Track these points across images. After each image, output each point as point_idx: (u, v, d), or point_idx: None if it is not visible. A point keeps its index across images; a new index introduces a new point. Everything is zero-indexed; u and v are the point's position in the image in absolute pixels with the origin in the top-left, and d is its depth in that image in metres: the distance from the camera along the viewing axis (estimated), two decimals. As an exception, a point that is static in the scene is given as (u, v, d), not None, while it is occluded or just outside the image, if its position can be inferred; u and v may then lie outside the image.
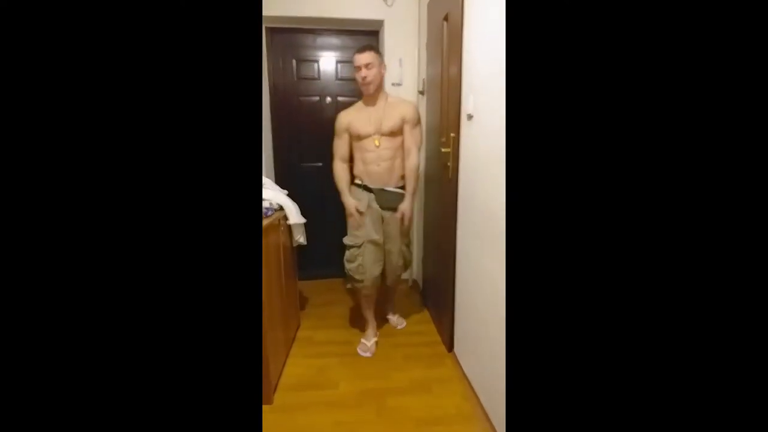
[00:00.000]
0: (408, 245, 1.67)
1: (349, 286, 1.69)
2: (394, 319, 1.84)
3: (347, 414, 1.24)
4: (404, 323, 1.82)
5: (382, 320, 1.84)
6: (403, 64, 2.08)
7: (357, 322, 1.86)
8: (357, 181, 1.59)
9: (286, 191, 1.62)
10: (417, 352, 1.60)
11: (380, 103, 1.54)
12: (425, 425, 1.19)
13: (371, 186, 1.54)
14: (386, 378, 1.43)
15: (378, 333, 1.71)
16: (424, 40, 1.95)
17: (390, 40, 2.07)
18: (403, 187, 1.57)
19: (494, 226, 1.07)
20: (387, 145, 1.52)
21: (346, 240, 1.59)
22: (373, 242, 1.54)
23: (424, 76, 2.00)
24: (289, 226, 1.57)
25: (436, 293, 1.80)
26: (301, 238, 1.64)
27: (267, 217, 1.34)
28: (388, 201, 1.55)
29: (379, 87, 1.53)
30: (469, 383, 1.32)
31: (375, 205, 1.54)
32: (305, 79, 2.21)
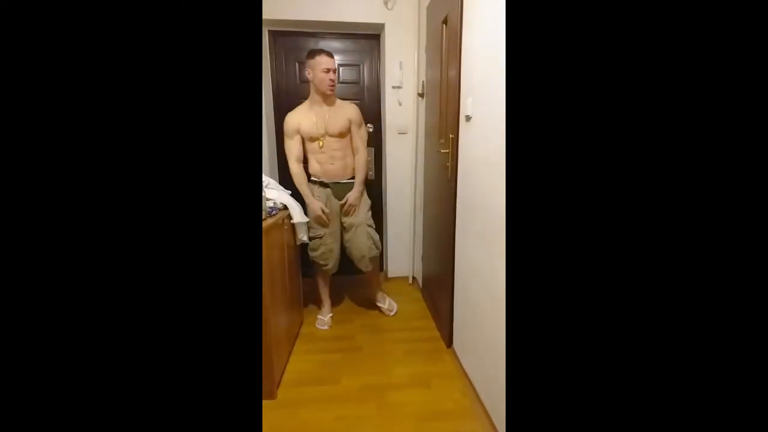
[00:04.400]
0: (372, 226, 1.82)
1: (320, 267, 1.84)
2: (384, 305, 1.90)
3: (348, 409, 1.27)
4: (395, 307, 1.89)
5: (373, 307, 1.92)
6: (403, 67, 2.12)
7: (359, 318, 1.90)
8: (314, 179, 1.75)
9: (289, 191, 1.66)
10: (417, 348, 1.63)
11: (331, 104, 1.69)
12: (424, 420, 1.21)
13: (327, 181, 1.73)
14: (386, 373, 1.46)
15: (332, 310, 1.93)
16: (423, 43, 1.98)
17: (390, 43, 2.10)
18: (354, 178, 1.76)
19: (492, 225, 1.09)
20: (337, 146, 1.69)
21: (309, 233, 1.75)
22: (333, 233, 1.77)
23: (423, 78, 2.03)
24: (293, 225, 1.61)
25: (435, 290, 1.82)
26: (304, 237, 1.68)
27: (271, 216, 1.37)
28: (344, 192, 1.74)
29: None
30: (468, 379, 1.34)
31: (334, 199, 1.75)
32: (308, 81, 2.24)
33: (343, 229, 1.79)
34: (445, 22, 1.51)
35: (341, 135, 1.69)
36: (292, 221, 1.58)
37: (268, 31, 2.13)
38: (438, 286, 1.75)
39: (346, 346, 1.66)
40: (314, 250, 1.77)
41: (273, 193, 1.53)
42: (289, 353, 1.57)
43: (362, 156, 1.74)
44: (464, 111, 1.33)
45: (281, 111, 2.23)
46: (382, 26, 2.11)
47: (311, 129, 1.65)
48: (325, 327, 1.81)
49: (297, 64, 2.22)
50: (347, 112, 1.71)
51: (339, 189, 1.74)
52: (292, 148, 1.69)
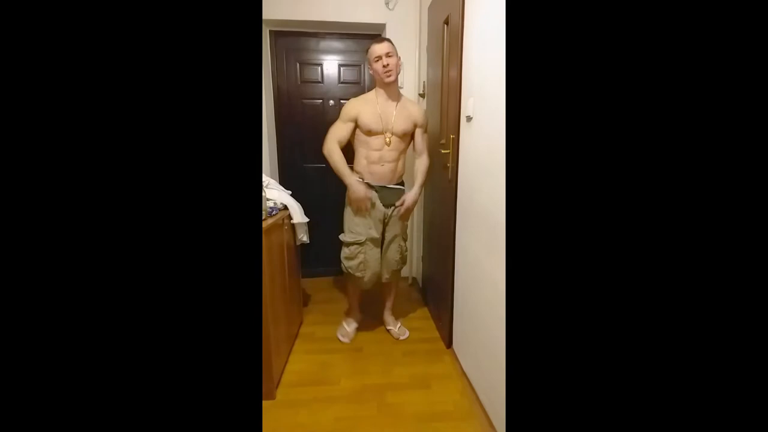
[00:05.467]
0: (405, 240, 1.68)
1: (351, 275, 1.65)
2: (395, 330, 1.73)
3: (348, 409, 1.26)
4: (407, 333, 1.72)
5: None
6: (404, 67, 2.11)
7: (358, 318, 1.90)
8: (357, 179, 1.53)
9: (289, 191, 1.66)
10: (416, 349, 1.63)
11: (396, 99, 1.52)
12: (424, 421, 1.21)
13: (373, 184, 1.54)
14: (386, 374, 1.46)
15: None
16: (424, 43, 1.98)
17: (392, 43, 2.10)
18: (401, 184, 1.61)
19: (492, 226, 1.09)
20: (395, 146, 1.52)
21: (346, 237, 1.58)
22: (374, 240, 1.57)
23: (424, 78, 2.03)
24: (293, 225, 1.60)
25: (435, 290, 1.82)
26: (304, 237, 1.67)
27: (271, 216, 1.37)
28: (390, 198, 1.57)
29: (397, 80, 1.50)
30: (468, 380, 1.34)
31: (379, 203, 1.55)
32: (308, 82, 2.24)
33: (383, 239, 1.62)
34: (446, 22, 1.51)
35: (403, 136, 1.53)
36: (292, 221, 1.57)
37: (269, 31, 2.13)
38: (438, 286, 1.75)
39: (345, 346, 1.65)
40: (350, 258, 1.57)
41: (273, 193, 1.53)
42: (289, 353, 1.57)
43: (425, 161, 1.60)
44: (465, 111, 1.33)
45: (282, 111, 2.25)
46: (383, 26, 2.11)
47: (373, 122, 1.48)
48: (347, 340, 1.68)
49: (298, 64, 2.22)
50: (413, 113, 1.54)
51: (386, 194, 1.55)
52: (340, 130, 1.50)
